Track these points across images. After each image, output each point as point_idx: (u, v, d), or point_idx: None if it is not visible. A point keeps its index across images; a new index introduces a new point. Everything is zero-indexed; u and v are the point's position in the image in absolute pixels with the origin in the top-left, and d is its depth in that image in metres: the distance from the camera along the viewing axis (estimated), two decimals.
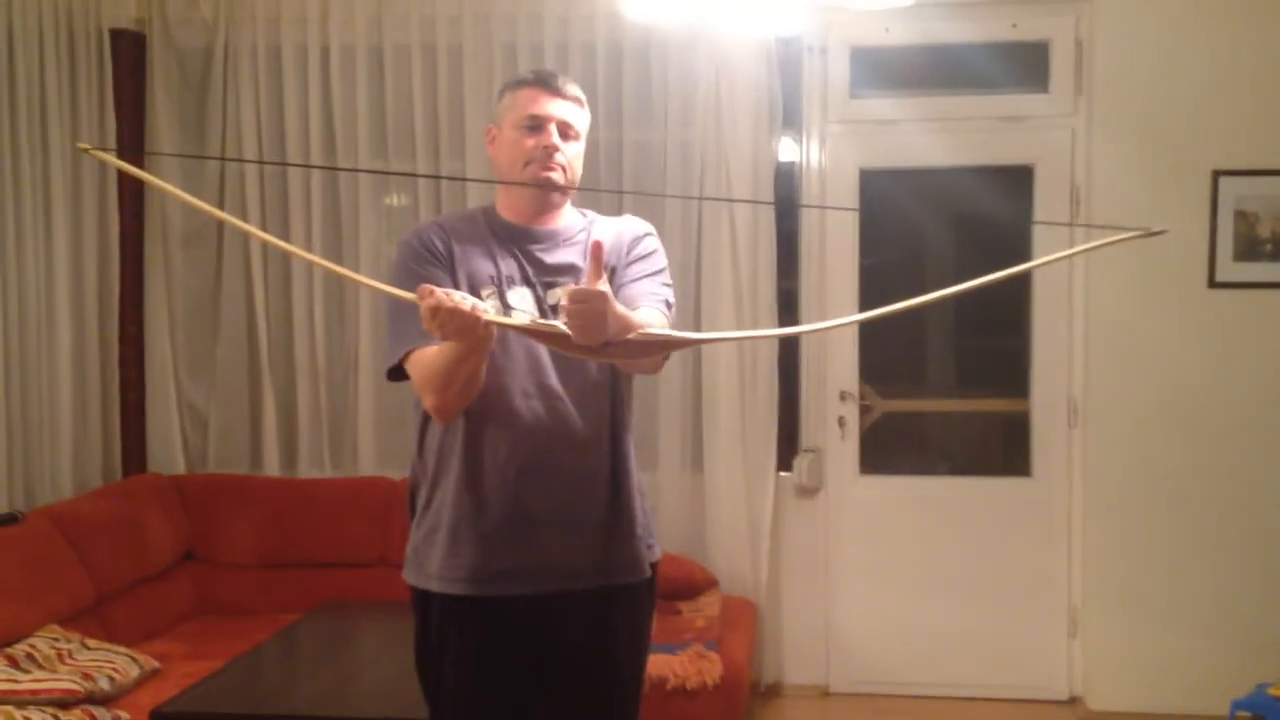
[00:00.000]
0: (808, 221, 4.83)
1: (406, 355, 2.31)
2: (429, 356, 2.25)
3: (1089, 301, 4.58)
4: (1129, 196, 4.48)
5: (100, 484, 4.58)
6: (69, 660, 3.52)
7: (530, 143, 2.38)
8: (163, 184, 2.18)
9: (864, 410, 4.89)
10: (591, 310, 1.98)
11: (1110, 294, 4.53)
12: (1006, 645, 4.77)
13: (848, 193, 4.80)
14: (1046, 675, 4.78)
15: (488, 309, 2.06)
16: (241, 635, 3.98)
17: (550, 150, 2.38)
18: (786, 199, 4.86)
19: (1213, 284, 4.46)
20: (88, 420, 4.59)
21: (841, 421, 4.85)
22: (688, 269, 4.69)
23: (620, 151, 4.70)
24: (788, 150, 4.84)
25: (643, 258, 2.46)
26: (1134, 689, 4.57)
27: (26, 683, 3.27)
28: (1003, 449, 5.08)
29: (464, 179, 4.67)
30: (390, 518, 4.54)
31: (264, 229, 4.80)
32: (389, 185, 4.91)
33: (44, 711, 3.17)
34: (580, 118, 2.45)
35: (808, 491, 4.86)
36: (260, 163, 4.77)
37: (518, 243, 2.42)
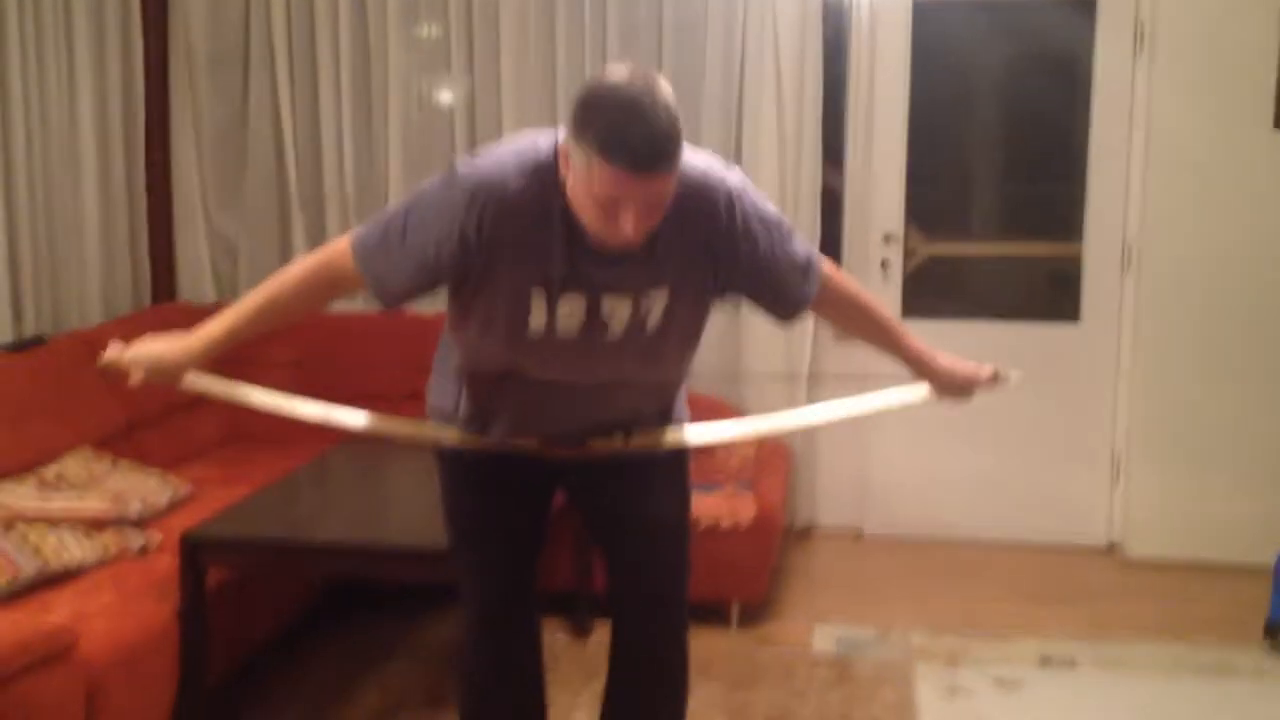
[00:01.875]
0: (856, 60, 4.62)
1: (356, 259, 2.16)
2: (283, 289, 2.25)
3: (1149, 142, 4.39)
4: (1196, 33, 4.27)
5: (129, 312, 4.53)
6: (100, 482, 3.50)
7: (604, 219, 1.93)
8: None
9: (908, 253, 4.75)
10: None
11: (1172, 134, 4.34)
12: (1045, 491, 4.71)
13: (899, 28, 4.59)
14: (1085, 521, 4.72)
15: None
16: (273, 464, 3.95)
17: (625, 237, 1.94)
18: (833, 37, 4.64)
19: (1278, 125, 4.25)
20: (114, 248, 4.51)
21: (885, 264, 4.72)
22: (729, 111, 4.54)
23: None
24: None
25: (754, 247, 2.12)
26: (1174, 538, 4.51)
27: (58, 504, 3.25)
28: (1051, 294, 4.93)
29: None
30: (423, 352, 4.36)
31: (290, 59, 4.67)
32: (420, 13, 4.72)
33: (75, 532, 3.15)
34: (672, 184, 1.94)
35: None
36: None
37: (584, 250, 2.02)
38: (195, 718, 2.97)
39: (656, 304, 2.10)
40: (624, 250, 1.99)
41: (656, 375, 2.29)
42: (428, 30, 4.76)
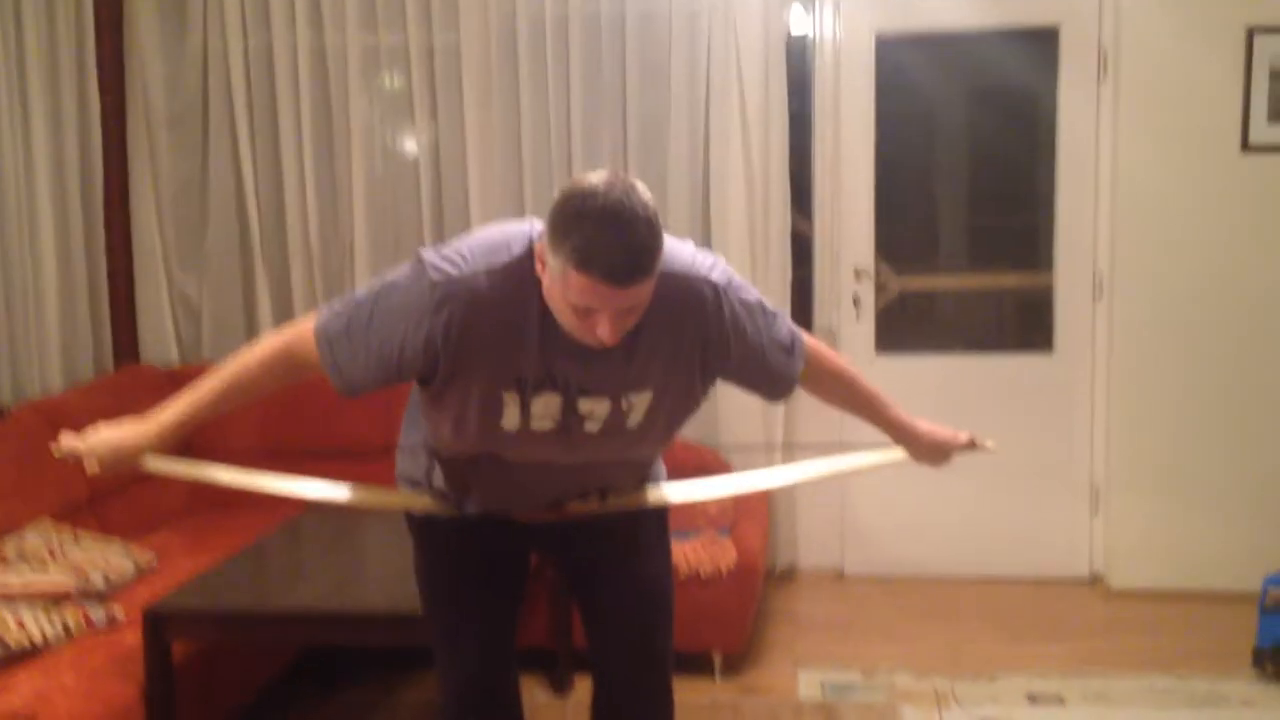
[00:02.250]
0: (821, 95, 4.61)
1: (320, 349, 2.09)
2: (245, 372, 2.18)
3: (1116, 169, 4.39)
4: (1159, 58, 4.28)
5: (92, 377, 4.45)
6: (60, 555, 3.41)
7: (578, 324, 1.89)
8: None
9: (879, 289, 4.72)
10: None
11: (1139, 160, 4.34)
12: (1026, 525, 4.68)
13: (863, 64, 4.58)
14: (1067, 554, 4.69)
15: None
16: (240, 531, 3.88)
17: (601, 339, 1.89)
18: (797, 74, 4.63)
19: (1246, 147, 4.26)
20: (76, 313, 4.45)
21: (856, 300, 4.69)
22: (695, 151, 4.53)
23: (624, 23, 4.48)
24: (799, 19, 4.61)
25: (741, 342, 2.09)
26: (1157, 567, 4.48)
27: (15, 580, 3.16)
28: (1023, 325, 4.93)
29: None
30: (392, 407, 4.36)
31: (250, 114, 4.63)
32: (381, 64, 4.68)
33: (35, 608, 3.06)
34: (648, 291, 1.89)
35: None
36: None
37: (561, 348, 1.97)
38: None
39: (638, 405, 2.07)
40: (601, 349, 1.94)
41: (638, 457, 2.27)
42: (389, 80, 4.73)
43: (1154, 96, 4.30)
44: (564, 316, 1.90)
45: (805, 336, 2.23)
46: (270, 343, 2.15)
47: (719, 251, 4.41)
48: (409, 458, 2.35)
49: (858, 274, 4.68)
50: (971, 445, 2.50)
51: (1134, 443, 4.47)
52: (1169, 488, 4.44)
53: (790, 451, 4.63)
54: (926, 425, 2.46)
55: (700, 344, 2.05)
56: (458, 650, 2.38)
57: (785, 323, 2.18)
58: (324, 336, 2.07)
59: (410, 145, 4.70)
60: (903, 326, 4.84)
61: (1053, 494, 4.67)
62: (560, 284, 1.84)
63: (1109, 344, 4.51)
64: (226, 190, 4.68)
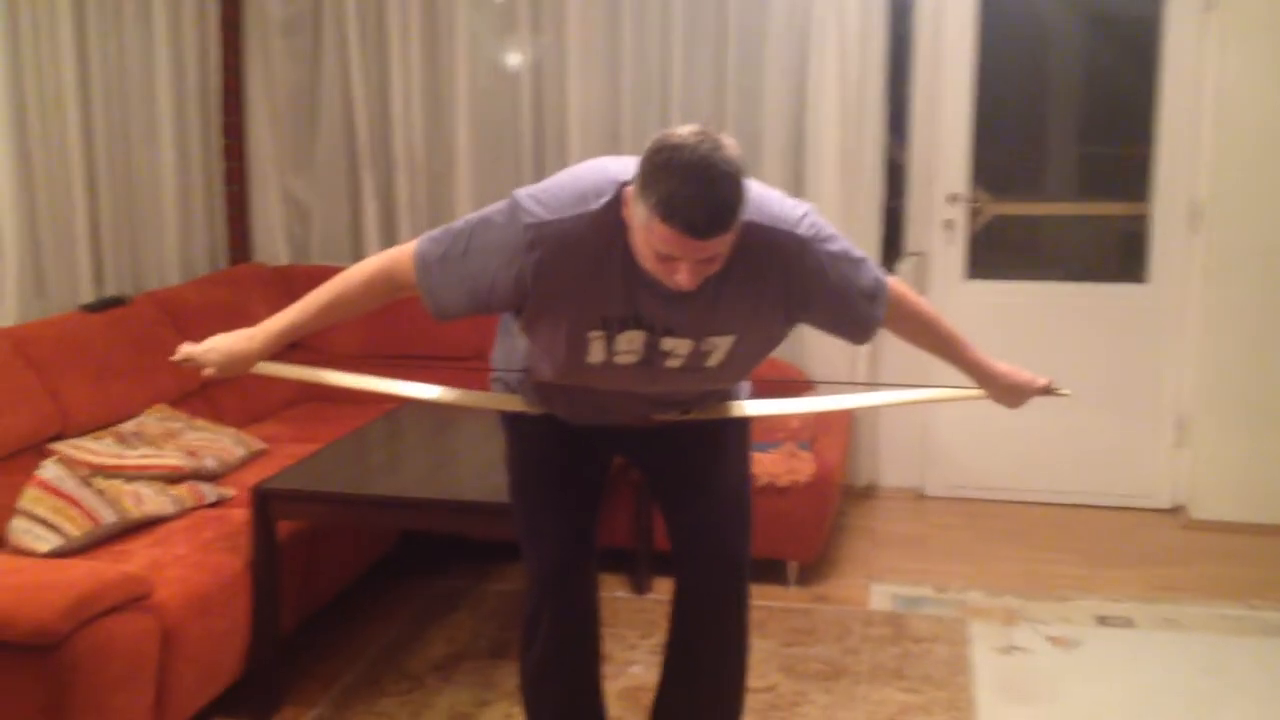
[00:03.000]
0: (921, 19, 4.60)
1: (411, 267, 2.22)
2: (345, 290, 2.32)
3: (1220, 98, 4.32)
4: None
5: (207, 273, 4.66)
6: (176, 439, 3.63)
7: (660, 268, 1.98)
8: None
9: (973, 213, 4.73)
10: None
11: (1243, 90, 4.27)
12: (1109, 453, 4.70)
13: None
14: (1149, 484, 4.70)
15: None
16: (343, 422, 4.06)
17: (681, 284, 1.97)
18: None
19: None
20: (192, 211, 4.64)
21: (949, 224, 4.71)
22: (792, 73, 4.55)
23: None
24: None
25: (825, 287, 2.14)
26: (1240, 500, 4.48)
27: (133, 458, 3.38)
28: (1118, 255, 4.90)
29: None
30: (487, 318, 4.55)
31: (361, 22, 4.75)
32: None
33: (151, 485, 3.28)
34: (729, 242, 1.96)
35: None
36: None
37: (647, 289, 2.06)
38: (267, 665, 3.09)
39: (720, 346, 2.16)
40: (684, 294, 2.02)
41: (718, 388, 2.37)
42: None
43: (1261, 25, 4.23)
44: (647, 261, 1.98)
45: (889, 280, 2.26)
46: (373, 263, 2.29)
47: (812, 173, 4.51)
48: (503, 355, 2.46)
49: (952, 198, 4.69)
50: (1048, 391, 2.55)
51: (1222, 376, 4.46)
52: (1255, 422, 4.43)
53: (874, 386, 4.69)
54: (1005, 367, 2.51)
55: (784, 294, 2.12)
56: (541, 542, 2.52)
57: (870, 269, 2.21)
58: (422, 262, 2.19)
59: (514, 58, 4.79)
60: (995, 253, 4.84)
61: (1139, 424, 4.68)
62: (644, 230, 1.93)
63: (1203, 277, 4.48)
64: (336, 97, 4.83)
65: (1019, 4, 4.69)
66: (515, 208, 2.07)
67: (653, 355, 2.15)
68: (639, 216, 1.94)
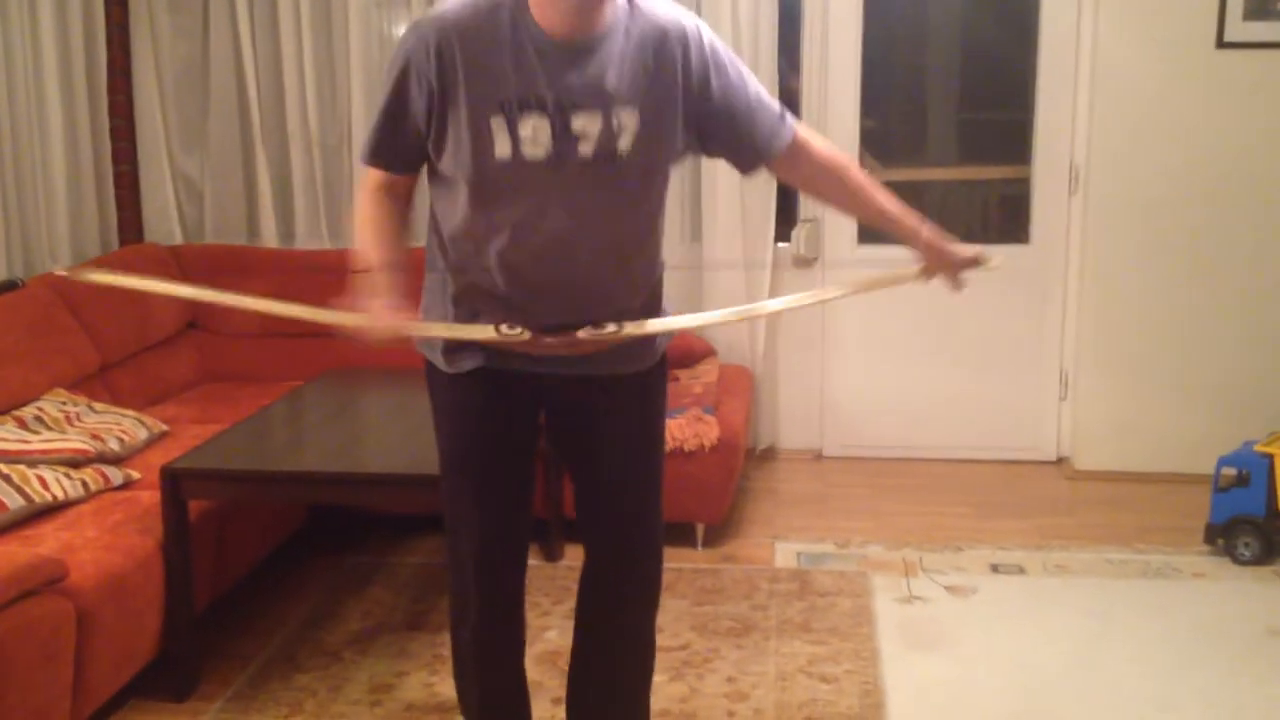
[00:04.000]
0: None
1: (367, 167, 2.25)
2: (364, 213, 2.24)
3: (1095, 65, 4.49)
4: None
5: (98, 254, 4.58)
6: (77, 422, 3.59)
7: None
8: None
9: None
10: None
11: (1117, 57, 4.44)
12: (997, 408, 4.88)
13: None
14: (1035, 437, 4.90)
15: (412, 328, 2.17)
16: (247, 400, 4.06)
17: None
18: None
19: (1221, 44, 4.36)
20: (82, 191, 4.55)
21: None
22: None
23: None
24: None
25: (724, 76, 2.20)
26: (1122, 450, 4.69)
27: (37, 443, 3.34)
28: (1001, 217, 5.08)
29: None
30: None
31: (250, 1, 4.69)
32: None
33: (56, 470, 3.24)
34: None
35: (805, 262, 4.87)
36: None
37: (542, 56, 2.09)
38: (182, 644, 3.09)
39: (628, 125, 2.13)
40: (582, 41, 2.08)
41: (627, 226, 2.27)
42: None
43: None
44: None
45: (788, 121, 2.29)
46: (361, 195, 2.28)
47: None
48: (429, 304, 2.38)
49: None
50: (976, 262, 2.40)
51: (1103, 331, 4.65)
52: (1134, 375, 4.63)
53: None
54: (930, 230, 2.38)
55: (682, 66, 2.16)
56: (470, 521, 2.43)
57: (774, 103, 2.28)
58: (365, 154, 2.24)
59: (406, 28, 4.76)
60: None
61: (1025, 379, 4.87)
62: None
63: (1082, 236, 4.66)
64: (227, 73, 4.77)
65: None
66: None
67: (564, 147, 2.10)
68: None
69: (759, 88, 2.27)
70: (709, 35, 2.21)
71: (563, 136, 2.10)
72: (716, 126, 2.23)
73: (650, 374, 2.46)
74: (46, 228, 4.36)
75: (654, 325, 2.30)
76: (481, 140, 2.10)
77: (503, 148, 2.09)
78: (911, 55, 5.05)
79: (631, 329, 2.25)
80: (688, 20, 2.19)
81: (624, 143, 2.13)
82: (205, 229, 4.88)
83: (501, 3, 2.09)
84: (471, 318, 2.27)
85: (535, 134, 2.09)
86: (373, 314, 2.12)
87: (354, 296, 2.16)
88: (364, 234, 2.24)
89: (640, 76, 2.13)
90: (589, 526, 2.54)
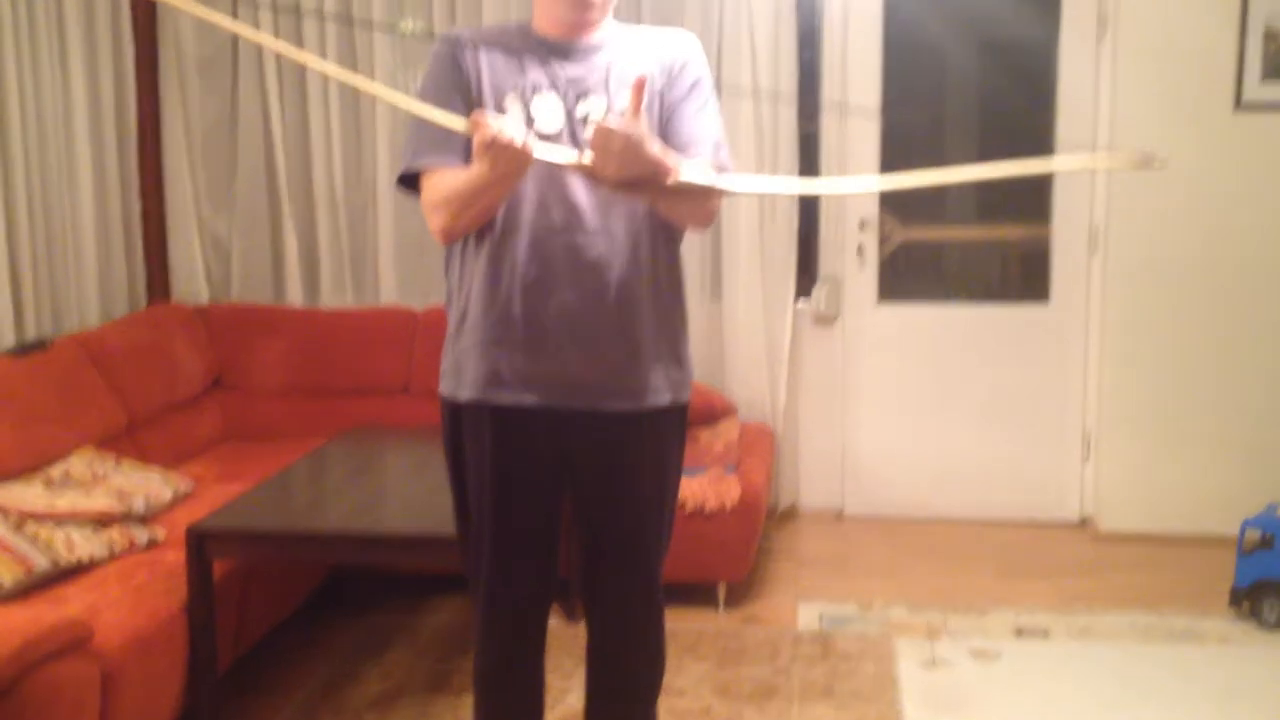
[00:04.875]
0: (830, 47, 4.75)
1: (425, 170, 2.32)
2: (449, 177, 2.27)
3: (1113, 124, 4.52)
4: (1156, 16, 4.41)
5: (126, 313, 4.63)
6: (104, 481, 3.61)
7: None
8: (197, 7, 2.17)
9: (883, 239, 4.88)
10: (614, 146, 2.04)
11: (1135, 117, 4.47)
12: (1019, 469, 4.87)
13: (871, 17, 4.72)
14: (1058, 498, 4.88)
15: (535, 144, 2.10)
16: (271, 459, 4.08)
17: None
18: (807, 24, 4.76)
19: (1239, 106, 4.40)
20: (111, 251, 4.61)
21: (860, 250, 4.85)
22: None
23: None
24: None
25: (690, 90, 2.40)
26: (1145, 511, 4.66)
27: (64, 503, 3.36)
28: (1021, 276, 5.09)
29: None
30: (412, 346, 4.60)
31: (279, 64, 4.77)
32: (404, 9, 4.82)
33: (82, 530, 3.26)
34: None
35: (825, 320, 4.89)
36: (274, 9, 4.71)
37: (549, 54, 2.37)
38: (205, 704, 3.09)
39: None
40: (581, 44, 2.35)
41: (637, 208, 2.36)
42: (412, 26, 4.86)
43: (1151, 55, 4.43)
44: None
45: (720, 158, 2.41)
46: (429, 215, 2.34)
47: (728, 200, 4.58)
48: (451, 342, 2.44)
49: (862, 224, 4.84)
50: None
51: (1124, 392, 4.64)
52: (1156, 435, 4.62)
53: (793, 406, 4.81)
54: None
55: (670, 66, 2.38)
56: (494, 593, 2.47)
57: (722, 138, 2.43)
58: (415, 162, 2.33)
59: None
60: (905, 276, 5.01)
61: (1047, 440, 4.86)
62: None
63: (1102, 295, 4.67)
64: (255, 133, 4.83)
65: (919, 34, 4.86)
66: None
67: (574, 126, 2.32)
68: None
69: (716, 125, 2.42)
70: (699, 61, 2.44)
71: (573, 117, 2.33)
72: (673, 114, 2.39)
73: (666, 429, 2.48)
74: (75, 287, 4.41)
75: (701, 179, 2.27)
76: (500, 112, 2.31)
77: (520, 121, 2.29)
78: (930, 112, 5.09)
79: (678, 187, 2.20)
80: (696, 41, 2.47)
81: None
82: (232, 287, 4.93)
83: (509, 24, 2.47)
84: (498, 325, 2.35)
85: (549, 111, 2.33)
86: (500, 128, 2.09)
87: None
88: (453, 180, 2.27)
89: (641, 71, 2.30)
90: (592, 589, 2.56)
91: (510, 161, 2.08)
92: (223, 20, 2.19)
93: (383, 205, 4.81)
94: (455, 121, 2.13)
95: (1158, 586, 4.21)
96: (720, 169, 2.37)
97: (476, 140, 2.05)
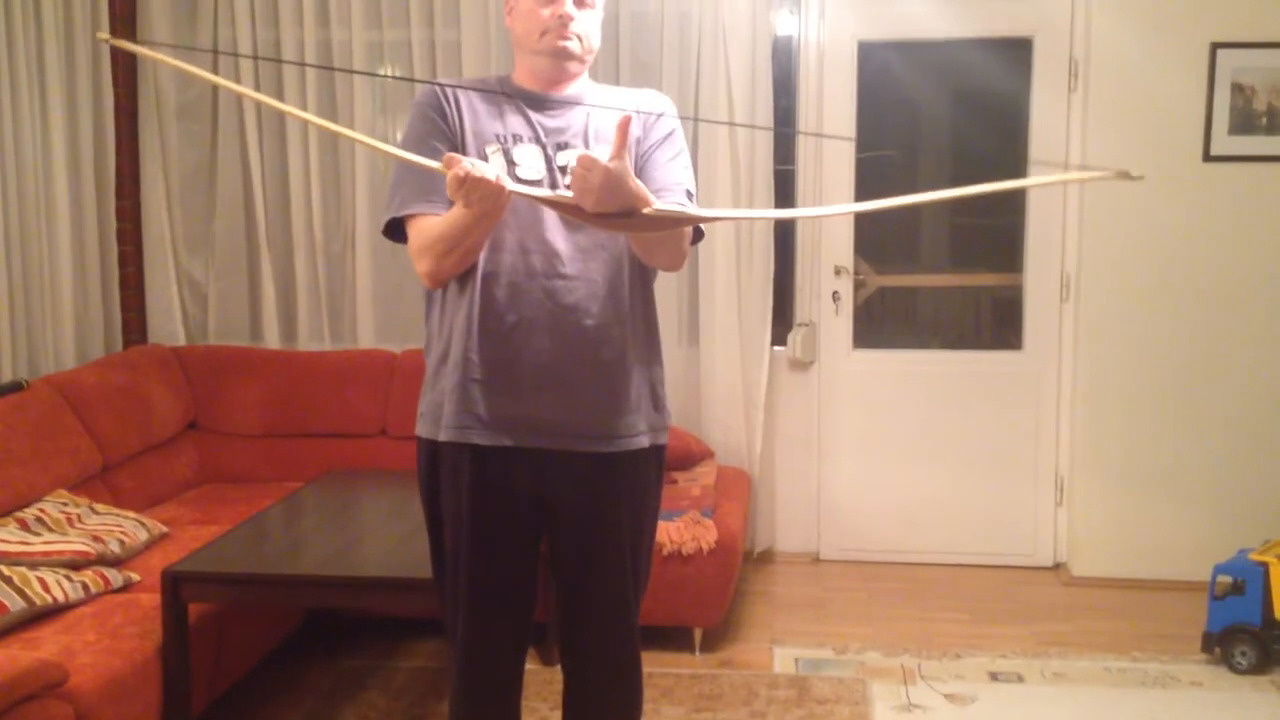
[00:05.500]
0: (805, 96, 4.82)
1: (410, 217, 2.35)
2: (434, 223, 2.30)
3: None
4: (1127, 70, 4.48)
5: (102, 355, 4.63)
6: (78, 524, 3.60)
7: (545, 12, 2.38)
8: (179, 63, 2.26)
9: (858, 285, 4.93)
10: (594, 180, 2.03)
11: (1106, 165, 4.52)
12: (994, 514, 4.90)
13: (845, 66, 4.78)
14: (1032, 542, 4.90)
15: (508, 181, 2.12)
16: (246, 502, 4.08)
17: (565, 20, 2.38)
18: (783, 74, 4.83)
19: (1208, 157, 4.48)
20: (88, 293, 4.62)
21: (835, 296, 4.90)
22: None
23: (617, 22, 4.67)
24: (785, 22, 4.82)
25: (664, 139, 2.46)
26: (1117, 556, 4.69)
27: (38, 545, 3.34)
28: (994, 324, 5.15)
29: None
30: (389, 389, 4.61)
31: (258, 106, 4.80)
32: (384, 58, 4.87)
33: (57, 572, 3.25)
34: None
35: (801, 365, 4.93)
36: (254, 57, 4.76)
37: (530, 105, 2.43)
38: None
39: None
40: (559, 97, 2.42)
41: (614, 253, 2.41)
42: (391, 73, 4.91)
43: (1121, 107, 4.51)
44: (533, 20, 2.38)
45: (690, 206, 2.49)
46: (415, 245, 2.36)
47: (704, 246, 4.66)
48: (429, 385, 2.48)
49: (837, 270, 4.88)
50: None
51: (1096, 438, 4.69)
52: (1129, 481, 4.66)
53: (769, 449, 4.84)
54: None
55: (643, 120, 2.45)
56: (469, 645, 2.48)
57: (692, 186, 2.48)
58: (401, 207, 2.37)
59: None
60: (880, 322, 5.06)
61: (1020, 485, 4.89)
62: None
63: (1075, 343, 4.72)
64: (234, 179, 4.86)
65: (893, 85, 4.94)
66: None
67: (554, 176, 2.37)
68: None
69: (688, 174, 2.48)
70: (672, 116, 2.52)
71: (551, 166, 2.38)
72: (648, 162, 2.45)
73: (644, 471, 2.50)
74: (52, 329, 4.41)
75: (677, 208, 2.32)
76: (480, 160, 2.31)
77: (500, 171, 2.27)
78: (904, 161, 5.16)
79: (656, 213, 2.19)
80: (670, 102, 2.54)
81: None
82: (209, 330, 4.93)
83: (490, 77, 2.53)
84: (478, 367, 2.38)
85: (529, 160, 2.38)
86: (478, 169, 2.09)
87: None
88: (438, 224, 2.30)
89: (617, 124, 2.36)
90: (569, 633, 2.57)
91: (486, 198, 2.08)
92: (200, 73, 2.20)
93: (361, 250, 4.83)
94: (431, 163, 2.14)
95: (1131, 631, 4.24)
96: (690, 198, 2.45)
97: (450, 177, 2.06)
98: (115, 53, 4.66)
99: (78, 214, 4.54)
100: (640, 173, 2.39)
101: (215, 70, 4.78)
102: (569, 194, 2.10)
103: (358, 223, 4.82)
